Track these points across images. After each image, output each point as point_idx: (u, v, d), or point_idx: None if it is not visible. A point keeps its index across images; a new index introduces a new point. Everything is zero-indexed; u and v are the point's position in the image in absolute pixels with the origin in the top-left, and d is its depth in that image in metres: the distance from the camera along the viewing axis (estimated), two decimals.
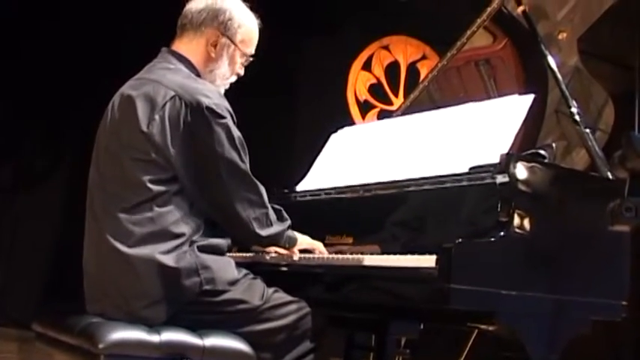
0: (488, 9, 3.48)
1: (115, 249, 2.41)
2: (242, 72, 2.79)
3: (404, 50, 5.93)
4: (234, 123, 2.55)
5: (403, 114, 3.43)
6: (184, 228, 2.47)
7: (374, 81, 5.86)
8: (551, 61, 3.26)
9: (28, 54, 5.03)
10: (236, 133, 2.55)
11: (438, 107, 3.11)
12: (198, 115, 2.48)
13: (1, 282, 4.93)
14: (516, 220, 2.36)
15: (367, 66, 5.86)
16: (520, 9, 3.47)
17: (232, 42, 2.70)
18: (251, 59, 2.79)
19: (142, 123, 2.47)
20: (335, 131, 3.42)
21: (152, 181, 2.45)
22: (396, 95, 5.82)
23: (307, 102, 5.57)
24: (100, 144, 2.61)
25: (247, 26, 2.74)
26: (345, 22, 5.72)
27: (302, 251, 2.78)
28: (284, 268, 2.80)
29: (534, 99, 2.71)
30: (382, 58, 5.89)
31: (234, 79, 2.78)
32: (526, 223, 2.38)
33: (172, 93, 2.49)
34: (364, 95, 5.82)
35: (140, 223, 2.43)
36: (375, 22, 5.79)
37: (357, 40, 5.84)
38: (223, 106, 2.54)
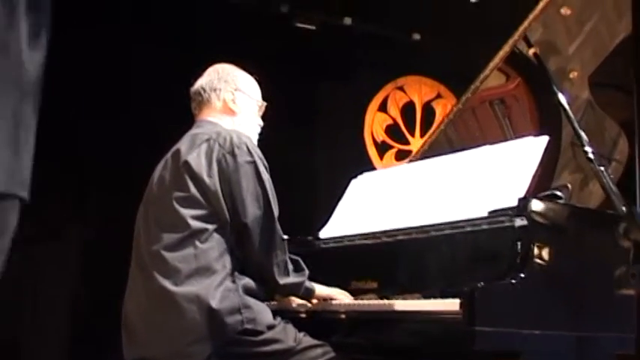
0: (501, 52, 3.53)
1: (162, 288, 2.51)
2: (261, 122, 2.96)
3: (418, 90, 5.98)
4: (264, 167, 2.69)
5: (421, 158, 3.49)
6: (226, 262, 2.58)
7: (390, 122, 5.90)
8: (562, 99, 3.27)
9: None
10: (265, 175, 2.68)
11: (455, 149, 3.17)
12: (228, 152, 2.64)
13: (26, 339, 4.90)
14: (536, 262, 2.42)
15: (383, 107, 5.91)
16: (531, 51, 3.51)
17: (245, 93, 2.89)
18: (264, 107, 2.95)
19: (183, 155, 2.65)
20: (355, 176, 3.48)
21: (193, 217, 2.58)
22: (413, 135, 5.87)
23: (325, 145, 5.59)
24: (148, 200, 2.76)
25: (248, 77, 2.95)
26: (359, 64, 5.78)
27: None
28: (310, 315, 2.86)
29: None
30: (397, 98, 5.94)
31: (259, 129, 2.94)
32: (545, 264, 2.43)
33: (207, 136, 2.68)
34: (381, 136, 5.86)
35: (185, 260, 2.53)
36: (389, 63, 5.85)
37: (371, 82, 5.89)
38: (253, 148, 2.70)
